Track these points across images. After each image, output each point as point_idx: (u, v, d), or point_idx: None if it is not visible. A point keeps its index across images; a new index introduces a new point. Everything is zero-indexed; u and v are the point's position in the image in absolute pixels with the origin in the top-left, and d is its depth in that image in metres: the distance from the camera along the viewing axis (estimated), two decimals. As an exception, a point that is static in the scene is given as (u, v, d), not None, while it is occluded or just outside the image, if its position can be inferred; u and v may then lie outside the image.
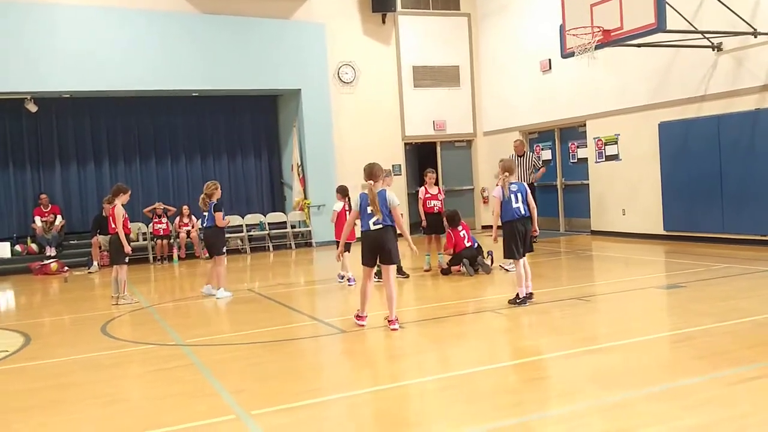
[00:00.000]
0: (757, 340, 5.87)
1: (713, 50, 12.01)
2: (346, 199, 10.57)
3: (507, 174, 7.97)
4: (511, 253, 7.95)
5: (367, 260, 7.22)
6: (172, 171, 16.96)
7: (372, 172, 7.15)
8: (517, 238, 7.89)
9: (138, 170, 16.58)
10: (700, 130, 12.39)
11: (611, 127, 14.59)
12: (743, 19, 11.15)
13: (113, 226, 9.58)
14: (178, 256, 15.07)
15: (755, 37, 11.19)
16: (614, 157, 14.46)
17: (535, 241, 8.89)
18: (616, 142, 14.47)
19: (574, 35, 11.49)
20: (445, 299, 9.10)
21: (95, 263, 14.25)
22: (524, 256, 7.97)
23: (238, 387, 5.35)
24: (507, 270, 10.42)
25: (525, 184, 8.20)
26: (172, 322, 8.33)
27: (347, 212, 10.20)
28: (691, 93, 12.58)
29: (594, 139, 15.04)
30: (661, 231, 13.39)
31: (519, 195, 7.94)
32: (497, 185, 8.12)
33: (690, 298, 7.93)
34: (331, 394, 5.20)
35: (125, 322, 8.39)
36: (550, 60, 15.94)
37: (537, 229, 8.22)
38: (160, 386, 5.63)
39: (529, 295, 7.99)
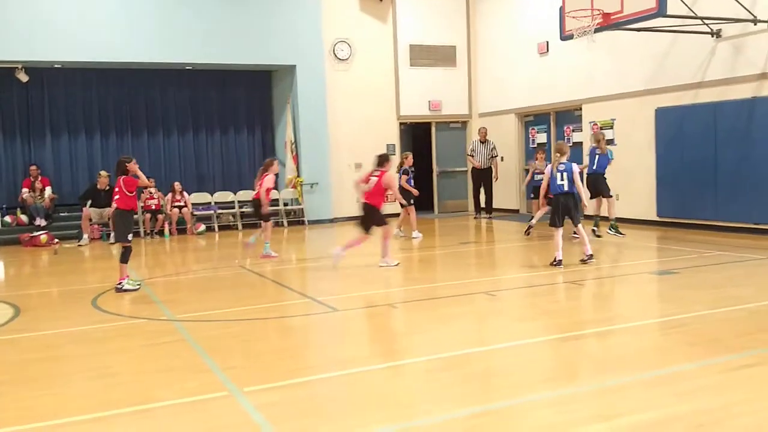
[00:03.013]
0: (749, 327, 5.90)
1: (712, 37, 11.95)
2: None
3: (558, 155, 9.32)
4: (553, 221, 9.32)
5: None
6: (163, 145, 16.80)
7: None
8: (559, 209, 9.21)
9: (129, 143, 16.40)
10: (696, 117, 12.37)
11: (607, 111, 14.54)
12: (744, 6, 11.09)
13: (117, 198, 8.79)
14: (170, 231, 14.98)
15: (755, 24, 11.13)
16: (610, 142, 14.42)
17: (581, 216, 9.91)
18: (612, 127, 14.44)
19: (573, 17, 11.41)
20: (439, 280, 9.10)
21: (85, 236, 14.15)
22: (562, 225, 9.28)
23: (230, 363, 5.33)
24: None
25: (572, 165, 9.25)
26: (164, 297, 8.29)
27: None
28: (689, 79, 12.54)
29: (590, 123, 15.00)
30: (654, 217, 13.41)
31: (565, 174, 9.15)
32: (548, 165, 9.59)
33: (683, 284, 7.95)
34: (323, 372, 5.19)
35: (116, 296, 8.33)
36: (547, 42, 15.84)
37: (585, 204, 9.78)
38: (151, 361, 5.60)
39: (559, 262, 9.04)
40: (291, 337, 6.46)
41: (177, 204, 15.29)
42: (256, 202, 11.43)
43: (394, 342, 6.20)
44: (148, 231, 14.97)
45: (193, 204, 15.76)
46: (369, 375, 5.08)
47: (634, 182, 13.75)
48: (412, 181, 13.39)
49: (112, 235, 14.08)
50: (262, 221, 11.52)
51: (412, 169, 13.64)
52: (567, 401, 4.36)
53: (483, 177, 16.71)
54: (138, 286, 8.61)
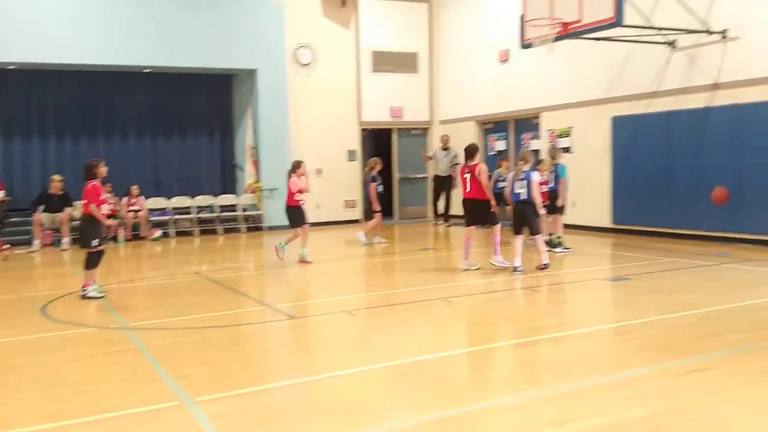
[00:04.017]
0: (699, 333, 6.00)
1: (668, 47, 12.21)
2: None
3: (522, 162, 9.30)
4: (514, 229, 9.37)
5: None
6: (120, 148, 16.48)
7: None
8: (516, 217, 9.32)
9: (85, 147, 16.02)
10: (652, 126, 12.61)
11: (565, 119, 14.73)
12: (698, 18, 11.35)
13: (84, 203, 8.46)
14: (125, 237, 14.69)
15: (709, 35, 11.40)
16: (566, 150, 14.62)
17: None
18: (568, 135, 14.63)
19: (533, 26, 11.55)
20: (398, 287, 9.09)
21: (37, 242, 13.80)
22: (521, 234, 9.30)
23: (182, 372, 5.23)
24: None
25: (532, 173, 9.23)
26: (117, 305, 8.09)
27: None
28: (645, 89, 12.77)
29: (547, 131, 15.18)
30: (609, 224, 13.61)
31: (524, 182, 9.12)
32: (510, 172, 9.72)
33: (636, 290, 8.07)
34: (278, 381, 5.12)
35: (67, 304, 8.12)
36: (508, 51, 15.99)
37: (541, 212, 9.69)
38: (102, 370, 5.46)
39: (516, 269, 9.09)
40: (246, 346, 6.37)
41: (133, 208, 15.01)
42: (289, 209, 11.04)
43: (352, 349, 6.15)
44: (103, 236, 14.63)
45: (149, 209, 15.49)
46: (325, 383, 5.03)
47: (591, 190, 13.94)
48: (382, 187, 13.22)
49: (64, 241, 13.81)
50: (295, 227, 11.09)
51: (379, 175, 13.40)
52: (524, 406, 4.38)
53: (444, 184, 16.76)
54: (103, 294, 8.37)
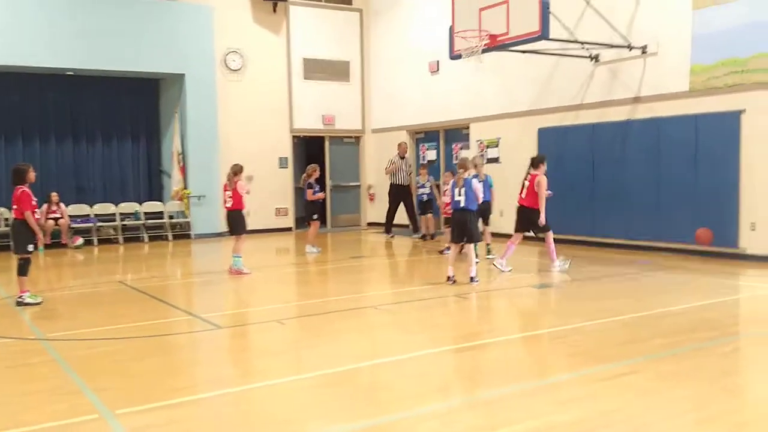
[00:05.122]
0: (623, 338, 6.17)
1: (591, 61, 12.59)
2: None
3: (462, 170, 9.13)
4: (451, 237, 9.35)
5: None
6: (40, 153, 15.78)
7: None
8: (453, 226, 9.21)
9: (2, 152, 15.36)
10: (576, 137, 12.96)
11: (493, 130, 14.99)
12: (619, 33, 11.76)
13: (15, 208, 8.26)
14: (44, 244, 14.05)
15: (629, 50, 11.81)
16: (495, 160, 14.87)
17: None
18: (497, 146, 14.89)
19: (462, 38, 11.69)
20: (329, 295, 9.01)
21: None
22: (462, 242, 9.13)
23: (102, 385, 5.01)
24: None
25: (471, 180, 9.08)
26: (34, 315, 7.74)
27: None
28: (570, 101, 13.13)
29: (477, 141, 15.41)
30: (537, 233, 13.87)
31: (463, 189, 8.98)
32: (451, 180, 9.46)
33: (561, 297, 8.25)
34: (201, 392, 4.98)
35: (-21, 314, 7.71)
36: (438, 62, 16.18)
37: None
38: (17, 383, 5.20)
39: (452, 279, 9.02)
40: (170, 356, 6.17)
41: (53, 215, 14.42)
42: (236, 214, 10.66)
43: (281, 359, 6.04)
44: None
45: (70, 216, 14.92)
46: (252, 393, 4.92)
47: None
48: (323, 193, 13.12)
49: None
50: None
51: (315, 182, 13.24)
52: (452, 412, 4.39)
53: (403, 194, 15.70)
54: (40, 300, 8.21)
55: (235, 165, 10.68)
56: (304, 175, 13.16)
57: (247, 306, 8.60)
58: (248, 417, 4.45)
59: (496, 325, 7.32)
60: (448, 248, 11.04)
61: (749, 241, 10.55)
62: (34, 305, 8.08)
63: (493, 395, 4.69)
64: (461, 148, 16.16)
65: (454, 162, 16.36)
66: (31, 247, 8.22)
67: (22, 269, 8.17)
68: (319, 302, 8.43)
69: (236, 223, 10.50)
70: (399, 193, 15.72)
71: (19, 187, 8.18)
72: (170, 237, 15.94)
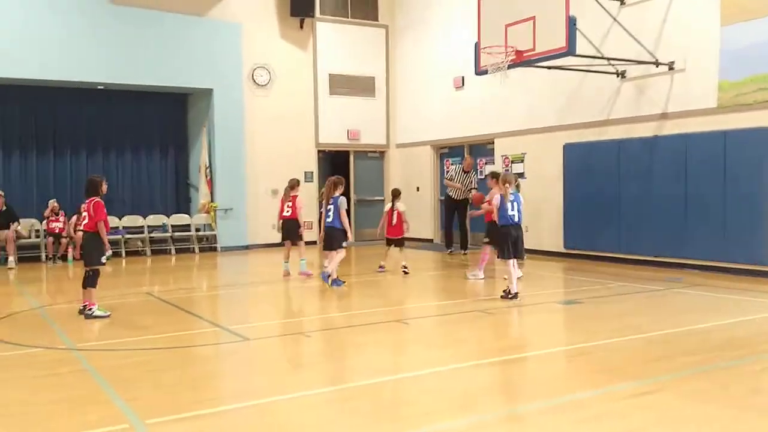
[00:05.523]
0: (648, 356, 6.12)
1: (617, 77, 12.56)
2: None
3: (507, 185, 9.04)
4: (503, 253, 9.07)
5: None
6: (70, 165, 16.13)
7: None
8: (509, 241, 8.95)
9: (34, 163, 15.70)
10: (602, 153, 12.91)
11: (519, 145, 15.00)
12: (647, 49, 11.73)
13: (86, 222, 8.26)
14: (73, 256, 14.33)
15: (656, 66, 11.78)
16: (520, 176, 14.85)
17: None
18: (522, 161, 14.88)
19: (488, 53, 11.74)
20: (354, 308, 9.06)
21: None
22: (515, 258, 9.01)
23: (132, 395, 5.10)
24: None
25: (521, 196, 9.22)
26: (64, 325, 7.88)
27: None
28: (596, 117, 13.11)
29: (502, 156, 15.41)
30: (561, 249, 13.84)
31: (515, 204, 8.97)
32: (498, 194, 9.17)
33: (587, 314, 8.20)
34: (230, 403, 5.04)
35: (11, 324, 7.88)
36: (463, 77, 16.25)
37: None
38: (47, 392, 5.29)
39: (515, 295, 8.89)
40: (198, 367, 6.25)
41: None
42: (294, 223, 11.60)
43: (305, 371, 6.09)
44: (51, 255, 14.29)
45: (100, 228, 15.13)
46: (278, 405, 4.96)
47: (544, 215, 14.18)
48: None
49: (11, 259, 13.42)
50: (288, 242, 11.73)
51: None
52: (475, 428, 4.38)
53: (460, 208, 15.18)
54: (109, 314, 8.17)
55: (292, 179, 11.74)
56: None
57: (272, 318, 8.67)
58: (272, 429, 4.50)
59: (521, 340, 7.30)
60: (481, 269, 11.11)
61: (778, 259, 10.41)
62: (103, 318, 8.05)
63: (517, 412, 4.69)
64: (486, 163, 16.17)
65: (479, 178, 16.29)
66: (104, 259, 8.27)
67: (92, 281, 8.10)
68: (344, 315, 8.48)
69: (294, 231, 11.51)
70: (455, 206, 15.25)
71: (92, 198, 8.20)
72: (197, 249, 16.12)
